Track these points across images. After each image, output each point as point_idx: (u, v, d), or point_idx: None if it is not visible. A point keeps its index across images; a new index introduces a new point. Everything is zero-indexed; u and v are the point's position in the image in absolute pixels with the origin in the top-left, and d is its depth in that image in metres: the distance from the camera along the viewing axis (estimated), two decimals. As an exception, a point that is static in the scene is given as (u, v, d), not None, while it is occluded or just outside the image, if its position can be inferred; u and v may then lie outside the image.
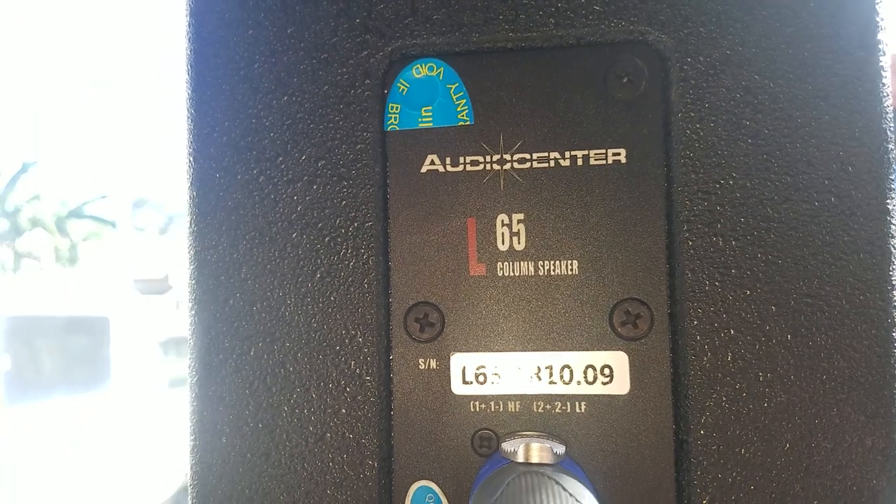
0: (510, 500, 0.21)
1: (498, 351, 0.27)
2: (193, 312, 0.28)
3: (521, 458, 0.24)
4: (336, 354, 0.27)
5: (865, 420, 0.25)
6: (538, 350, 0.27)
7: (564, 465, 0.24)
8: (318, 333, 0.27)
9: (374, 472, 0.27)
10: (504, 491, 0.21)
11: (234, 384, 0.27)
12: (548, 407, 0.26)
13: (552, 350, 0.27)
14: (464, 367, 0.27)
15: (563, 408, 0.26)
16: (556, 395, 0.26)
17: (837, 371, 0.25)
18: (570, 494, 0.21)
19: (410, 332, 0.27)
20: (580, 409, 0.26)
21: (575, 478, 0.23)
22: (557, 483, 0.22)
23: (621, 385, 0.26)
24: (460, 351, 0.27)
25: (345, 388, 0.27)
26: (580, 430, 0.26)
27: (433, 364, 0.27)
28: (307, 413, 0.27)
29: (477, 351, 0.27)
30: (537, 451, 0.24)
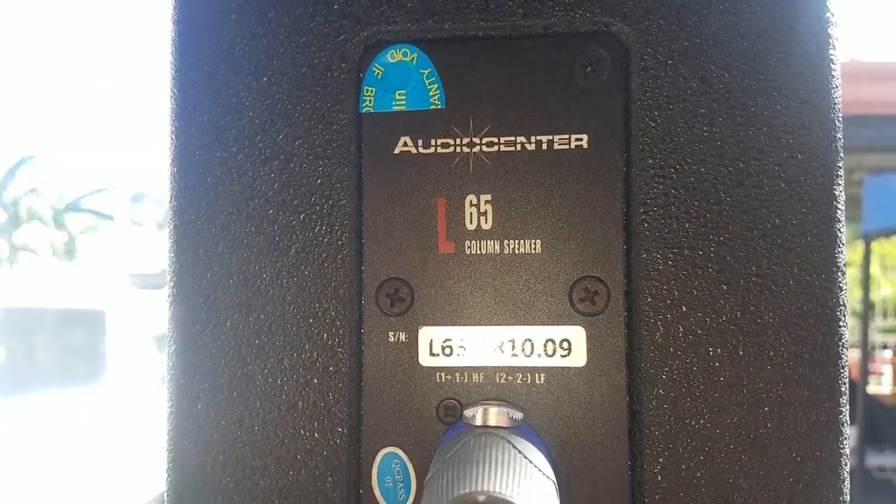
0: (463, 455, 0.22)
1: (464, 325, 0.28)
2: (172, 284, 0.29)
3: (478, 422, 0.25)
4: (309, 326, 0.28)
5: (811, 395, 0.27)
6: (502, 324, 0.28)
7: (520, 430, 0.25)
8: (293, 306, 0.29)
9: (343, 439, 0.28)
10: (459, 448, 0.23)
11: (211, 353, 0.29)
12: (510, 378, 0.28)
13: (515, 324, 0.28)
14: (431, 340, 0.28)
15: (524, 379, 0.28)
16: (518, 367, 0.28)
17: (784, 348, 0.27)
18: (520, 452, 0.22)
19: (381, 306, 0.28)
20: (540, 380, 0.28)
21: (528, 440, 0.24)
22: (509, 442, 0.23)
23: (578, 358, 0.27)
24: (428, 325, 0.28)
25: (317, 358, 0.28)
26: (539, 399, 0.27)
27: (402, 337, 0.28)
28: (280, 382, 0.28)
29: (444, 325, 0.28)
30: (494, 415, 0.25)
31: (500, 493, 0.20)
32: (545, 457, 0.24)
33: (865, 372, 3.84)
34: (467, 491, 0.20)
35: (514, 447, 0.23)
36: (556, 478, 0.25)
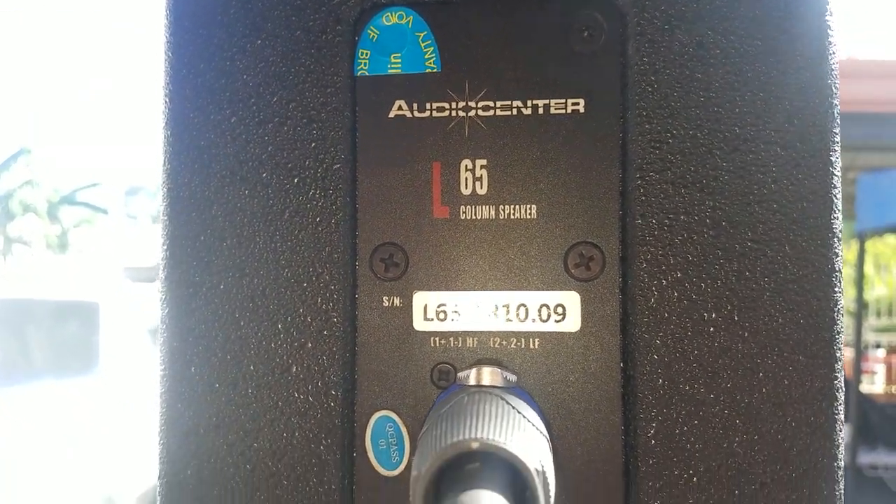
0: (457, 409, 0.22)
1: (458, 290, 0.28)
2: (165, 247, 0.29)
3: (472, 382, 0.25)
4: (303, 291, 0.28)
5: (805, 361, 0.27)
6: (496, 289, 0.28)
7: (514, 391, 0.25)
8: (287, 270, 0.28)
9: (337, 403, 0.28)
10: (453, 405, 0.23)
11: (204, 316, 0.28)
12: (504, 343, 0.28)
13: (509, 290, 0.28)
14: (425, 305, 0.28)
15: (518, 344, 0.28)
16: (512, 331, 0.28)
17: (779, 313, 0.27)
18: (514, 408, 0.22)
19: (375, 271, 0.28)
20: (534, 345, 0.27)
21: (521, 399, 0.24)
22: (502, 399, 0.23)
23: (573, 323, 0.27)
24: (423, 289, 0.28)
25: (311, 323, 0.28)
26: (533, 364, 0.27)
27: (396, 302, 0.28)
28: (274, 346, 0.28)
29: (438, 290, 0.28)
30: (488, 374, 0.25)
31: (494, 440, 0.20)
32: (539, 417, 0.24)
33: (859, 371, 3.86)
34: (461, 438, 0.20)
35: (509, 403, 0.23)
36: (550, 439, 0.25)
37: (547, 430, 0.24)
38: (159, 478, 0.28)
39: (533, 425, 0.23)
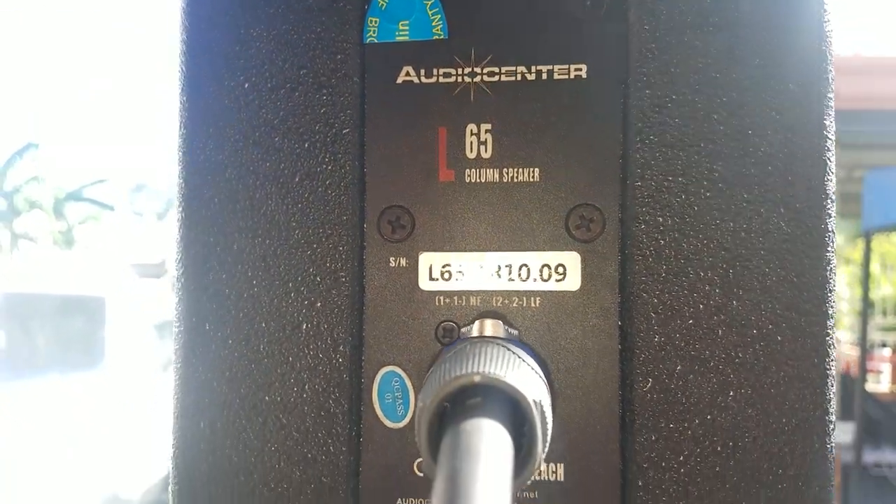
0: (459, 356, 0.23)
1: (463, 251, 0.29)
2: (181, 209, 0.30)
3: (475, 333, 0.26)
4: (313, 252, 0.29)
5: (798, 318, 0.27)
6: (499, 250, 0.29)
7: (515, 342, 0.26)
8: (297, 231, 0.29)
9: (345, 359, 0.29)
10: (457, 350, 0.24)
11: (218, 276, 0.30)
12: (506, 302, 0.29)
13: (512, 250, 0.29)
14: (431, 266, 0.29)
15: (520, 302, 0.28)
16: (514, 291, 0.29)
17: (772, 272, 0.27)
18: (515, 354, 0.23)
19: (383, 233, 0.29)
20: (535, 303, 0.28)
21: (522, 349, 0.25)
22: (503, 346, 0.24)
23: (573, 282, 0.28)
24: (428, 250, 0.29)
25: (320, 282, 0.29)
26: (534, 321, 0.28)
27: (403, 262, 0.29)
28: (285, 305, 0.29)
29: (443, 251, 0.29)
30: (490, 326, 0.26)
31: (494, 374, 0.21)
32: (539, 365, 0.25)
33: (864, 370, 3.85)
34: (464, 372, 0.21)
35: (510, 350, 0.24)
36: (549, 388, 0.25)
37: (546, 379, 0.25)
38: (173, 431, 0.29)
39: (532, 369, 0.23)
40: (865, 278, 3.89)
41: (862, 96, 3.12)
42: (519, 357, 0.23)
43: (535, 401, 0.21)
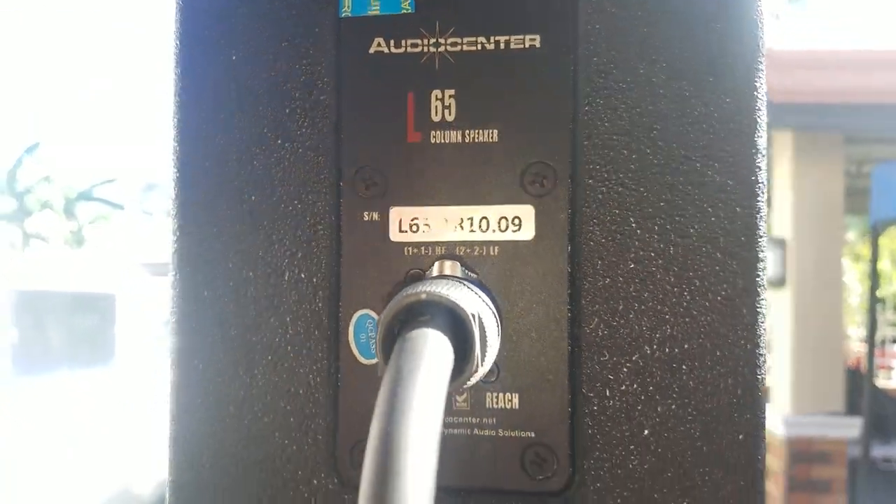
0: (415, 285, 0.26)
1: (429, 205, 0.32)
2: (175, 172, 0.33)
3: (435, 273, 0.29)
4: (294, 207, 0.32)
5: (731, 262, 0.30)
6: (462, 204, 0.32)
7: (472, 280, 0.29)
8: (280, 189, 0.33)
9: (324, 303, 0.32)
10: (417, 284, 0.27)
11: (209, 230, 0.33)
12: (468, 251, 0.32)
13: (473, 204, 0.32)
14: (400, 219, 0.32)
15: (480, 251, 0.31)
16: (475, 241, 0.32)
17: (707, 220, 0.30)
18: (470, 288, 0.26)
19: (357, 190, 0.32)
20: (494, 251, 0.31)
21: (476, 285, 0.28)
22: (461, 282, 0.27)
23: (528, 232, 0.31)
24: (398, 205, 0.32)
25: (301, 235, 0.32)
26: (492, 267, 0.31)
27: (375, 216, 0.32)
28: (269, 255, 0.32)
29: (412, 205, 0.32)
30: (449, 266, 0.29)
31: (439, 292, 0.24)
32: (490, 299, 0.28)
33: (872, 365, 3.84)
34: (412, 292, 0.24)
35: (465, 285, 0.27)
36: (502, 329, 0.28)
37: (494, 307, 0.28)
38: (171, 367, 0.33)
39: (476, 294, 0.26)
40: (874, 275, 3.88)
41: (870, 90, 3.12)
42: (465, 285, 0.26)
43: (472, 314, 0.24)
